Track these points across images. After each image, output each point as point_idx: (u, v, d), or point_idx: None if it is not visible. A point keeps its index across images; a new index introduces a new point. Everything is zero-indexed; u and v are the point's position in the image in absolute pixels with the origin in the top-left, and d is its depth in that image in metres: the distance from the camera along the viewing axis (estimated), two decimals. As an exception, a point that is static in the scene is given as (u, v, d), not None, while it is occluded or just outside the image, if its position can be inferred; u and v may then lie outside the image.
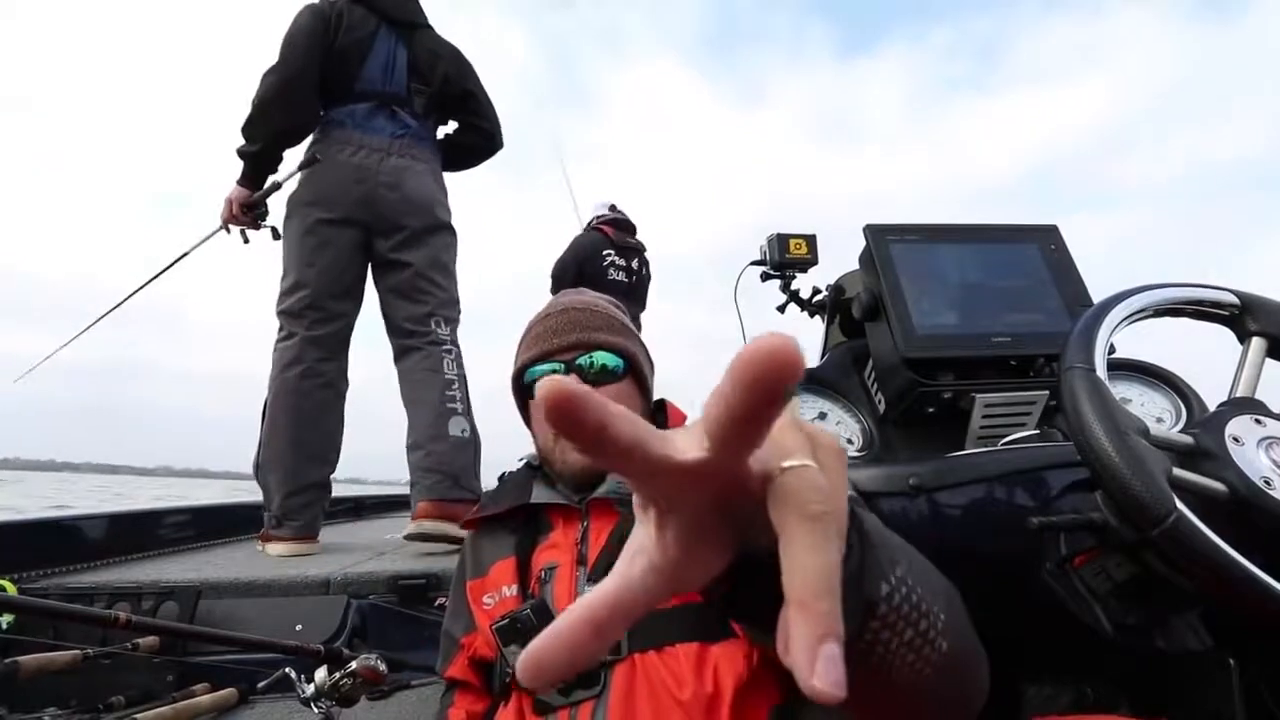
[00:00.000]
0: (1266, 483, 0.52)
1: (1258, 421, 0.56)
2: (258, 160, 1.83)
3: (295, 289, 1.83)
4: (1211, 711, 0.62)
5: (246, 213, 1.86)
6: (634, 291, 3.23)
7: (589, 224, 3.29)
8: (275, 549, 1.72)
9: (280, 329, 1.84)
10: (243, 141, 1.82)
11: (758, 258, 1.17)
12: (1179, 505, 0.48)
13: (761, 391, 0.18)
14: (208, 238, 2.00)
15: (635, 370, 0.80)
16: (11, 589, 1.21)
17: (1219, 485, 0.52)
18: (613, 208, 3.32)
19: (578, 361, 0.77)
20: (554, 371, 0.77)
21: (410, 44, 1.99)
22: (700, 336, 28.23)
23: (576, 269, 3.11)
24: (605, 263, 3.13)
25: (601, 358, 0.77)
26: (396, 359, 1.96)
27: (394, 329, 1.95)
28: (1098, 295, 0.90)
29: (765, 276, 1.17)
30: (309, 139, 1.91)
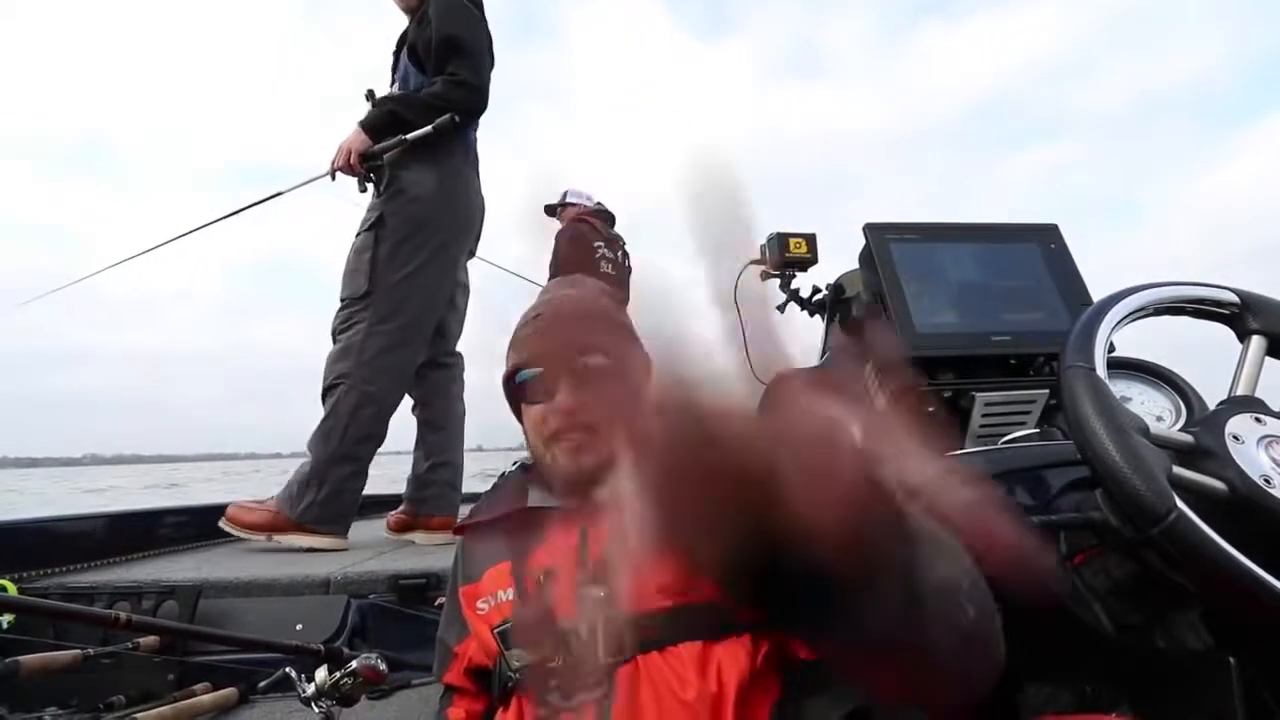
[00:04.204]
0: (1266, 481, 0.52)
1: (1258, 420, 0.56)
2: (401, 129, 1.81)
3: (422, 311, 1.86)
4: (1211, 711, 0.61)
5: (362, 162, 1.83)
6: (621, 284, 3.13)
7: (561, 202, 3.21)
8: (303, 540, 1.71)
9: (393, 334, 1.81)
10: (402, 107, 1.81)
11: (756, 256, 1.16)
12: (1179, 504, 0.48)
13: None
14: (309, 181, 1.99)
15: (627, 372, 0.80)
16: (12, 589, 1.21)
17: (1219, 484, 0.52)
18: (598, 203, 3.26)
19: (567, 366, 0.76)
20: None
21: None
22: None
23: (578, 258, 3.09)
24: (597, 254, 3.09)
25: (591, 360, 0.76)
26: (430, 366, 2.00)
27: (447, 341, 2.04)
28: (1096, 294, 0.90)
29: (765, 275, 1.17)
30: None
